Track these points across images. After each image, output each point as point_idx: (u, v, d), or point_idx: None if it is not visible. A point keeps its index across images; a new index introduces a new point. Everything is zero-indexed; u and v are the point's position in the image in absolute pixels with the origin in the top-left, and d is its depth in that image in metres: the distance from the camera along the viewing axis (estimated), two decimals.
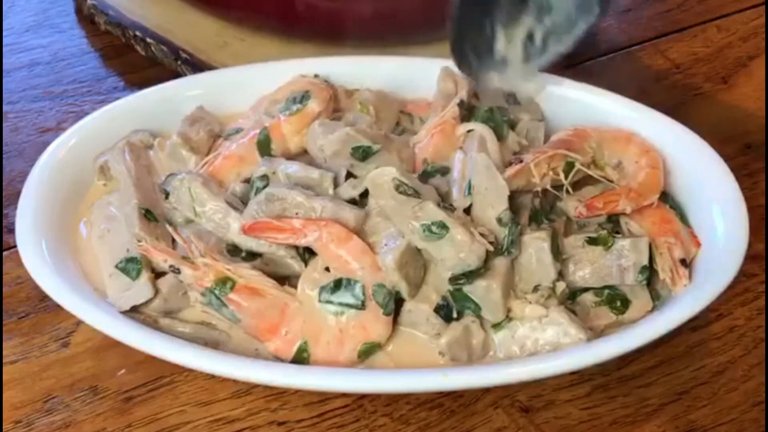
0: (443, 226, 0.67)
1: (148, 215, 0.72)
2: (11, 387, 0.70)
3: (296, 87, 0.78)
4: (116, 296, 0.69)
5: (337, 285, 0.67)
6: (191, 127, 0.77)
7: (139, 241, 0.70)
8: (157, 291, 0.69)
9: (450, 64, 0.80)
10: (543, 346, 0.67)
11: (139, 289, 0.69)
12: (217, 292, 0.67)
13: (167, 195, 0.73)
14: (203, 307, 0.69)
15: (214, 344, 0.68)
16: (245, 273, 0.68)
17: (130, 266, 0.70)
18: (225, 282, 0.67)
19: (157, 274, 0.70)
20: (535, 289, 0.68)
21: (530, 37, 0.75)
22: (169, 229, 0.71)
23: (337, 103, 0.78)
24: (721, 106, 0.89)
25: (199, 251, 0.68)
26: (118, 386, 0.70)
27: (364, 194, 0.70)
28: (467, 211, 0.69)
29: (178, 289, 0.69)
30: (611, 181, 0.73)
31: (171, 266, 0.68)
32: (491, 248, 0.67)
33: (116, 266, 0.70)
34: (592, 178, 0.73)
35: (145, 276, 0.69)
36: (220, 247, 0.70)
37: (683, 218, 0.73)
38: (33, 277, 0.68)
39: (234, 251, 0.70)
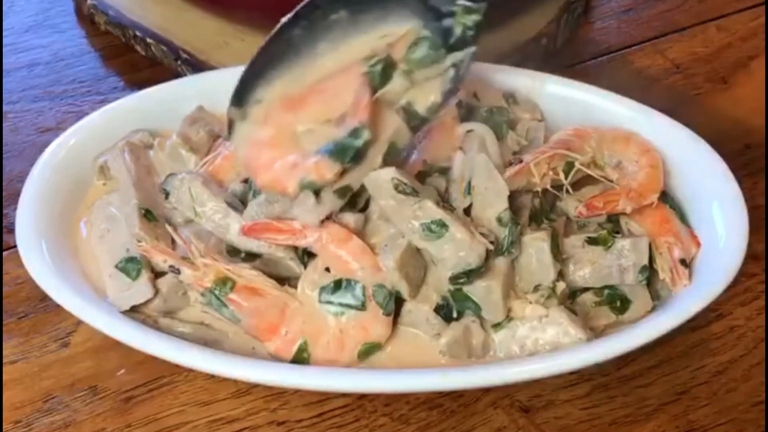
0: (443, 225, 0.67)
1: (148, 215, 0.72)
2: (11, 387, 0.70)
3: None
4: (116, 296, 0.69)
5: (337, 285, 0.67)
6: (191, 127, 0.77)
7: (138, 241, 0.70)
8: (156, 291, 0.69)
9: None
10: (543, 346, 0.67)
11: (139, 289, 0.69)
12: (217, 292, 0.67)
13: (167, 195, 0.73)
14: (203, 307, 0.69)
15: (213, 344, 0.68)
16: (245, 273, 0.68)
17: (130, 266, 0.70)
18: (225, 282, 0.67)
19: (157, 274, 0.70)
20: (535, 289, 0.68)
21: None
22: (169, 229, 0.71)
23: None
24: (721, 106, 0.89)
25: (198, 251, 0.68)
26: (118, 386, 0.70)
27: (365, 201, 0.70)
28: (467, 211, 0.69)
29: (178, 288, 0.69)
30: (611, 181, 0.73)
31: (171, 266, 0.68)
32: (491, 247, 0.67)
33: (116, 266, 0.70)
34: (592, 178, 0.73)
35: (144, 276, 0.69)
36: (219, 247, 0.70)
37: (683, 218, 0.73)
38: (33, 277, 0.68)
39: (233, 252, 0.70)
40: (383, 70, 0.69)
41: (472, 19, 0.69)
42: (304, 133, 0.68)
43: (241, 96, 0.69)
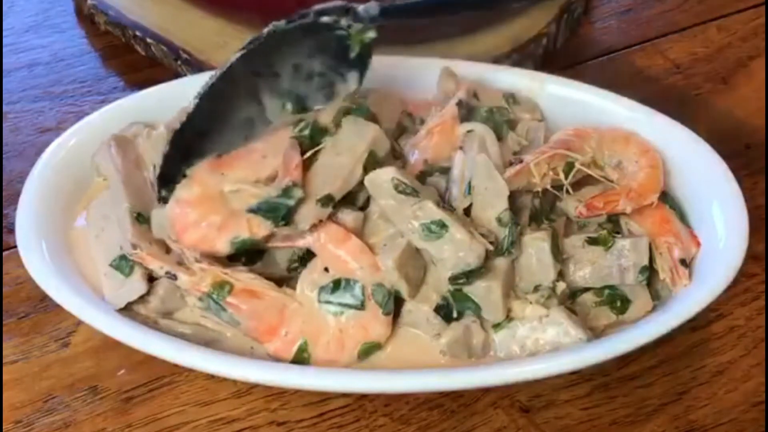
0: (443, 225, 0.67)
1: (140, 218, 0.71)
2: (11, 387, 0.70)
3: None
4: (112, 294, 0.69)
5: (336, 285, 0.67)
6: None
7: (134, 247, 0.69)
8: (151, 287, 0.69)
9: (450, 63, 0.80)
10: (543, 346, 0.67)
11: (133, 286, 0.69)
12: (215, 296, 0.67)
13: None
14: (202, 312, 0.68)
15: (213, 344, 0.68)
16: (242, 276, 0.68)
17: (123, 263, 0.69)
18: (222, 286, 0.67)
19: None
20: (536, 289, 0.68)
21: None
22: (163, 235, 0.70)
23: None
24: (721, 106, 0.89)
25: (194, 256, 0.68)
26: (118, 386, 0.70)
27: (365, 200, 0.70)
28: (467, 211, 0.69)
29: (176, 289, 0.69)
30: (611, 181, 0.73)
31: (167, 273, 0.68)
32: (491, 247, 0.67)
33: (110, 264, 0.70)
34: (592, 178, 0.73)
35: (137, 272, 0.69)
36: None
37: (683, 218, 0.73)
38: (33, 277, 0.68)
39: (233, 256, 0.70)
40: (312, 135, 0.71)
41: (368, 36, 0.72)
42: (232, 192, 0.69)
43: (170, 182, 0.70)
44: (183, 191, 0.70)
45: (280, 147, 0.70)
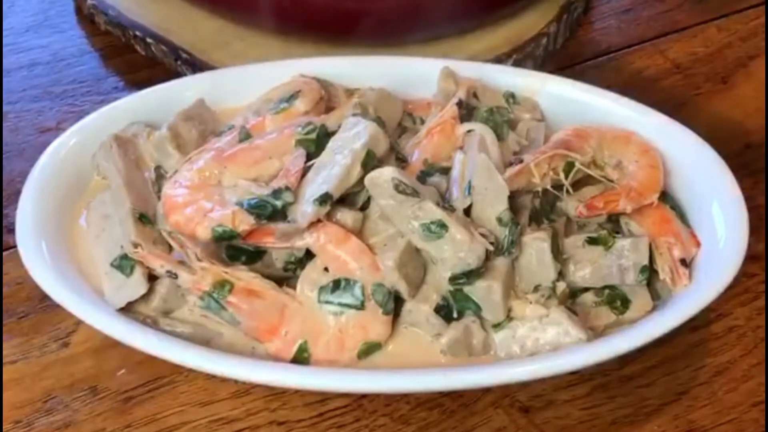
0: (442, 226, 0.67)
1: (143, 219, 0.71)
2: (11, 387, 0.70)
3: (290, 86, 0.78)
4: (112, 294, 0.69)
5: (336, 285, 0.67)
6: (185, 123, 0.76)
7: (135, 246, 0.69)
8: (152, 286, 0.69)
9: (450, 63, 0.80)
10: (543, 346, 0.67)
11: (133, 286, 0.69)
12: (215, 295, 0.67)
13: (160, 188, 0.72)
14: (202, 311, 0.68)
15: (213, 343, 0.68)
16: (243, 275, 0.68)
17: (125, 263, 0.69)
18: (223, 285, 0.67)
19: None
20: (536, 289, 0.68)
21: None
22: (164, 234, 0.70)
23: (330, 103, 0.78)
24: (721, 106, 0.89)
25: (195, 255, 0.68)
26: (118, 386, 0.70)
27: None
28: (467, 211, 0.69)
29: (177, 289, 0.69)
30: (611, 181, 0.73)
31: (168, 271, 0.68)
32: (491, 247, 0.67)
33: (111, 264, 0.70)
34: (592, 178, 0.73)
35: (138, 272, 0.69)
36: (217, 249, 0.70)
37: (683, 218, 0.73)
38: (33, 277, 0.68)
39: (235, 256, 0.70)
40: (317, 139, 0.71)
41: None
42: (229, 186, 0.70)
43: None
44: (183, 174, 0.71)
45: (286, 149, 0.71)
